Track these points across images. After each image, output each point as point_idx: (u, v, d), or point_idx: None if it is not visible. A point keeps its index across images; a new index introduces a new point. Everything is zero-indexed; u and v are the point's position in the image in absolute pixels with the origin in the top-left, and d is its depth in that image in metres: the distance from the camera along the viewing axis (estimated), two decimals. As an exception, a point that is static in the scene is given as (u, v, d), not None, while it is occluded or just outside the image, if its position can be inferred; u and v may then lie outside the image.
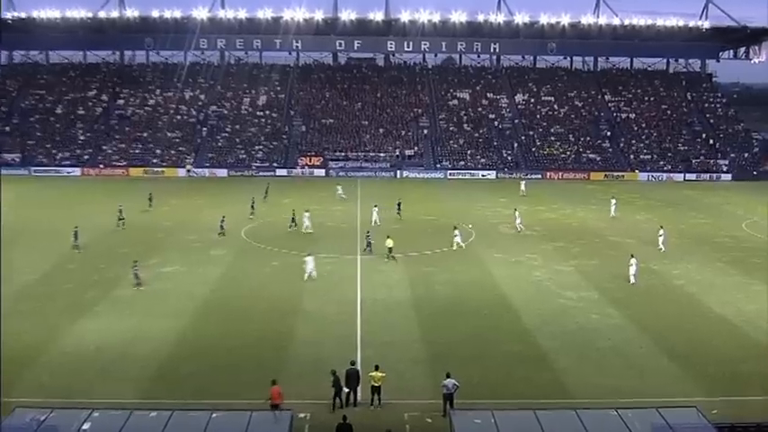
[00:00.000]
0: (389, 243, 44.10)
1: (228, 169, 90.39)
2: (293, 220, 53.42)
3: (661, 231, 48.25)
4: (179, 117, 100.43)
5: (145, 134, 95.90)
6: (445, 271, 41.45)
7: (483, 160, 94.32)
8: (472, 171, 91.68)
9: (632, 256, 39.40)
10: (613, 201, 62.53)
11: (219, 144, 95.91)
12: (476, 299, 36.07)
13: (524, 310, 34.22)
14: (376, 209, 56.98)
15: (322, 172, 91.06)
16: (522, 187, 75.69)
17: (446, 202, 67.72)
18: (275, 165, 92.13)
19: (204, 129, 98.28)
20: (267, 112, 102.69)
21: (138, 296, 35.76)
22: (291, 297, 35.89)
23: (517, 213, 54.73)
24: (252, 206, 59.18)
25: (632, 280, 38.05)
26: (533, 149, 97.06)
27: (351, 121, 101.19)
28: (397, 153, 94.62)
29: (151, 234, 50.89)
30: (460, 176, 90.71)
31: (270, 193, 68.85)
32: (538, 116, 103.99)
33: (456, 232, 46.93)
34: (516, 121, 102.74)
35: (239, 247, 47.15)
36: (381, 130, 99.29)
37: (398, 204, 59.37)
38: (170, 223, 55.26)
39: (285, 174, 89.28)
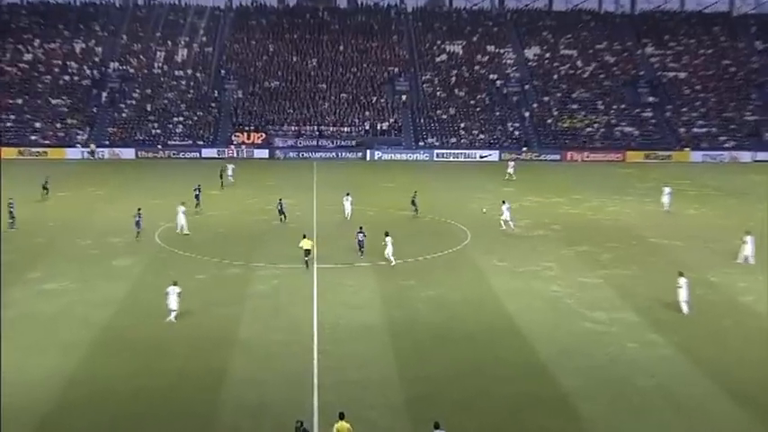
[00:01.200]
0: (306, 244, 44.51)
1: (137, 149, 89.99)
2: (281, 211, 55.27)
3: (747, 238, 47.25)
4: (67, 78, 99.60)
5: (19, 101, 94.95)
6: (431, 285, 41.61)
7: (482, 136, 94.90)
8: (467, 151, 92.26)
9: (681, 275, 37.96)
10: (667, 189, 63.07)
11: (124, 115, 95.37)
12: (472, 322, 36.21)
13: (537, 337, 34.45)
14: (348, 198, 57.92)
15: (264, 152, 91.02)
16: (510, 169, 76.45)
17: (432, 193, 67.92)
18: (201, 143, 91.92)
19: (103, 94, 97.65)
20: (189, 72, 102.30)
21: (12, 325, 35.37)
22: (225, 322, 35.76)
23: (506, 207, 54.82)
24: (197, 196, 60.06)
25: (684, 309, 37.63)
26: (549, 121, 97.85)
27: (303, 85, 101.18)
28: (367, 127, 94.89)
29: (31, 238, 50.46)
30: (452, 158, 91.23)
31: (224, 179, 70.50)
32: (555, 76, 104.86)
33: (387, 240, 45.66)
34: (526, 84, 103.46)
35: (152, 256, 46.94)
36: (345, 97, 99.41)
37: (414, 199, 59.33)
38: (57, 224, 54.83)
39: (215, 155, 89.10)
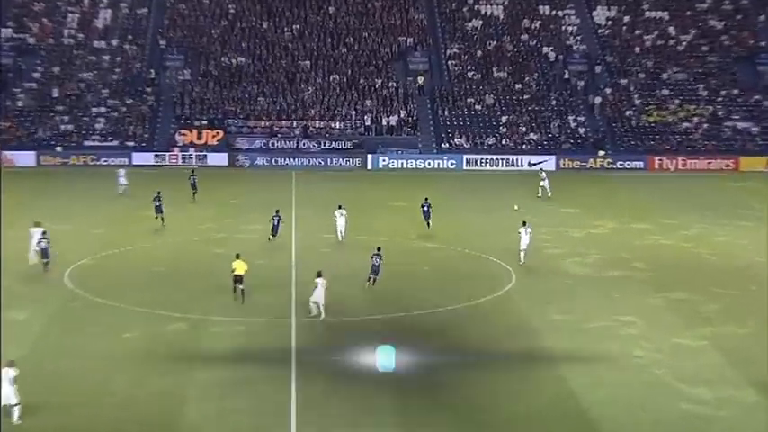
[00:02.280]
0: (239, 268, 46.21)
1: (38, 152, 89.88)
2: (275, 228, 58.53)
3: None
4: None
5: None
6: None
7: (532, 136, 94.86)
8: (511, 156, 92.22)
9: None
10: None
11: (20, 104, 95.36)
12: (519, 400, 36.18)
13: (612, 422, 34.19)
14: (342, 213, 59.55)
15: (222, 158, 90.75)
16: (544, 183, 76.40)
17: (461, 216, 67.83)
18: (131, 144, 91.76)
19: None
20: (115, 44, 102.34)
21: None
22: (163, 401, 35.57)
23: (525, 231, 55.06)
24: (158, 208, 62.70)
25: None
26: (628, 114, 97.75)
27: (278, 62, 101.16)
28: (368, 122, 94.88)
29: None
30: (488, 166, 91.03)
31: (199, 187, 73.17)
32: (638, 50, 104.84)
33: (318, 281, 45.01)
34: (596, 61, 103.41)
35: (59, 305, 46.65)
36: (337, 79, 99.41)
37: (426, 207, 62.54)
38: None
39: (150, 161, 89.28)
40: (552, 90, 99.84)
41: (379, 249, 49.58)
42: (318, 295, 44.38)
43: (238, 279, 45.91)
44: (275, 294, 48.04)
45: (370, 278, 48.63)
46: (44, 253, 51.21)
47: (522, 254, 54.94)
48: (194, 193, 72.49)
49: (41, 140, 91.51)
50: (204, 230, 62.92)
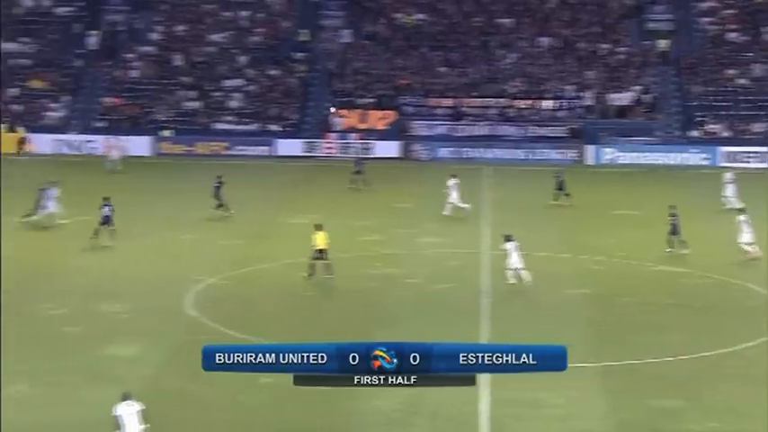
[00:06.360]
0: (320, 241, 51.65)
1: (156, 137, 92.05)
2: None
3: None
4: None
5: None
6: (710, 410, 40.57)
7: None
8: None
9: None
10: None
11: (133, 74, 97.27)
12: None
13: None
14: (513, 245, 60.27)
15: (393, 147, 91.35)
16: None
17: (719, 232, 66.88)
18: (275, 128, 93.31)
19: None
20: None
21: None
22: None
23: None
24: (217, 192, 65.50)
25: None
26: None
27: (469, 20, 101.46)
28: (588, 102, 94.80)
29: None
30: (756, 163, 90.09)
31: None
32: None
33: (510, 245, 48.04)
34: None
35: (178, 338, 47.40)
36: (547, 43, 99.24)
37: (674, 219, 62.31)
38: None
39: (299, 153, 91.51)
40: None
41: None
42: (516, 261, 50.27)
43: (320, 254, 51.06)
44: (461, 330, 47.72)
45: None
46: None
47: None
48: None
49: (159, 122, 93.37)
50: (368, 244, 62.96)
